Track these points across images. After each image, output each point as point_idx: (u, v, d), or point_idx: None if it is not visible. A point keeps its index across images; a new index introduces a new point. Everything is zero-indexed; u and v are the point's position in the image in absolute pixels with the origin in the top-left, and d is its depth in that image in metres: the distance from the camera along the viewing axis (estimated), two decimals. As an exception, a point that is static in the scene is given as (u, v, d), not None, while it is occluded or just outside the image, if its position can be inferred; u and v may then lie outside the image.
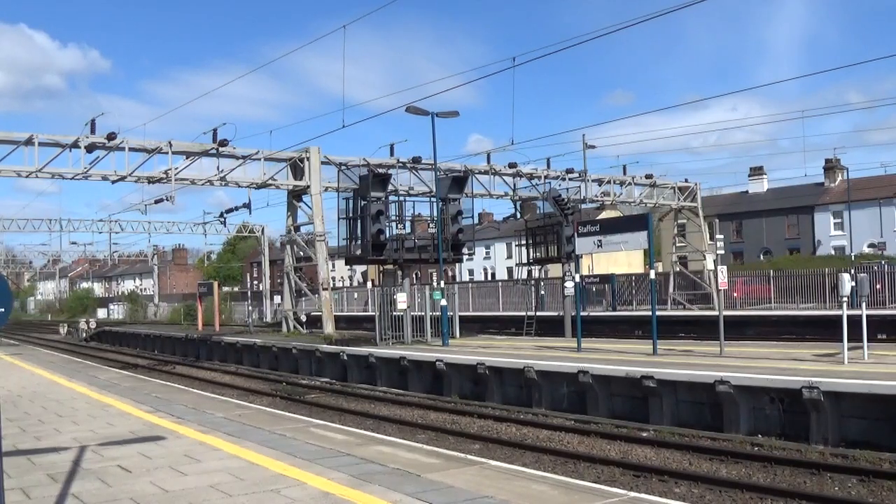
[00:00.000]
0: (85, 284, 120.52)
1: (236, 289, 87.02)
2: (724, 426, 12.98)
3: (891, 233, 55.13)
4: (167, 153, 25.41)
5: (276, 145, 56.89)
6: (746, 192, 68.84)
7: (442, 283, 24.90)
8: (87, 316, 70.07)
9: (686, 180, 38.87)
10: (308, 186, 28.09)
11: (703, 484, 9.81)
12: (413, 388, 20.20)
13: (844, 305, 14.42)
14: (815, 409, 11.76)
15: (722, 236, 18.82)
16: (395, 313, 24.48)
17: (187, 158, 26.21)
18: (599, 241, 18.78)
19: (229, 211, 43.04)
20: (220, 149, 26.07)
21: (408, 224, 27.50)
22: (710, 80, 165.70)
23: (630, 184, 36.22)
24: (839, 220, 59.39)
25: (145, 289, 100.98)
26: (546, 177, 32.91)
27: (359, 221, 24.87)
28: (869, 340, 14.92)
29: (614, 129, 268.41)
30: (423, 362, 20.08)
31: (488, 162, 31.69)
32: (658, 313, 19.29)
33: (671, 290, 37.85)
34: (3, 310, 5.25)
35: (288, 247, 31.40)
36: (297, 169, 28.46)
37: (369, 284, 66.61)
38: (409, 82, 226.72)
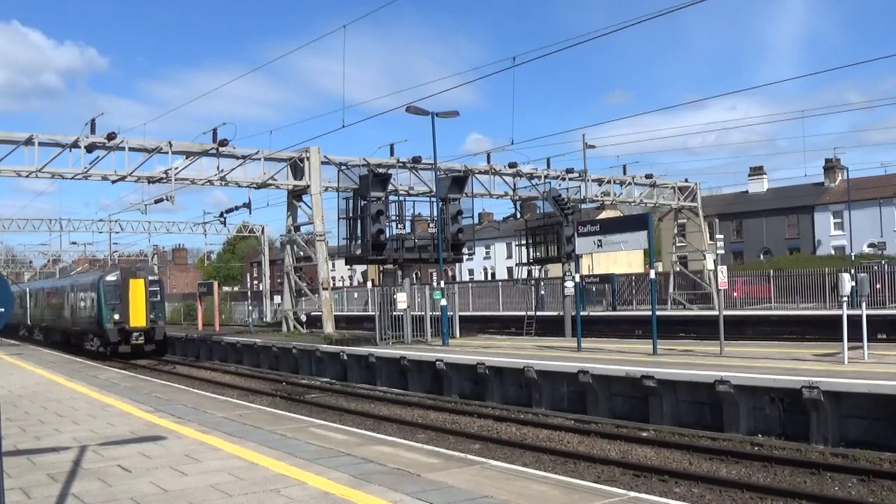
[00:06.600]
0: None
1: (236, 289, 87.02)
2: (724, 426, 12.98)
3: (891, 233, 55.11)
4: (167, 153, 25.45)
5: (276, 145, 56.78)
6: (746, 191, 68.87)
7: (442, 282, 24.89)
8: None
9: (686, 180, 38.92)
10: (308, 186, 28.11)
11: (703, 484, 9.81)
12: (413, 388, 20.20)
13: (844, 305, 14.43)
14: (815, 408, 11.76)
15: (722, 236, 18.81)
16: (395, 313, 24.48)
17: (187, 158, 26.23)
18: (599, 240, 18.78)
19: (229, 211, 42.95)
20: (220, 149, 26.10)
21: (408, 224, 27.55)
22: (710, 79, 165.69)
23: (630, 184, 36.25)
24: (839, 220, 59.38)
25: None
26: (546, 177, 32.93)
27: (359, 221, 24.89)
28: (869, 340, 14.93)
29: (614, 129, 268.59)
30: (423, 362, 20.08)
31: (488, 162, 31.71)
32: (658, 313, 19.29)
33: (671, 289, 37.87)
34: (2, 310, 5.25)
35: (288, 247, 31.41)
36: (297, 169, 28.47)
37: (369, 284, 66.58)
38: (409, 82, 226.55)
